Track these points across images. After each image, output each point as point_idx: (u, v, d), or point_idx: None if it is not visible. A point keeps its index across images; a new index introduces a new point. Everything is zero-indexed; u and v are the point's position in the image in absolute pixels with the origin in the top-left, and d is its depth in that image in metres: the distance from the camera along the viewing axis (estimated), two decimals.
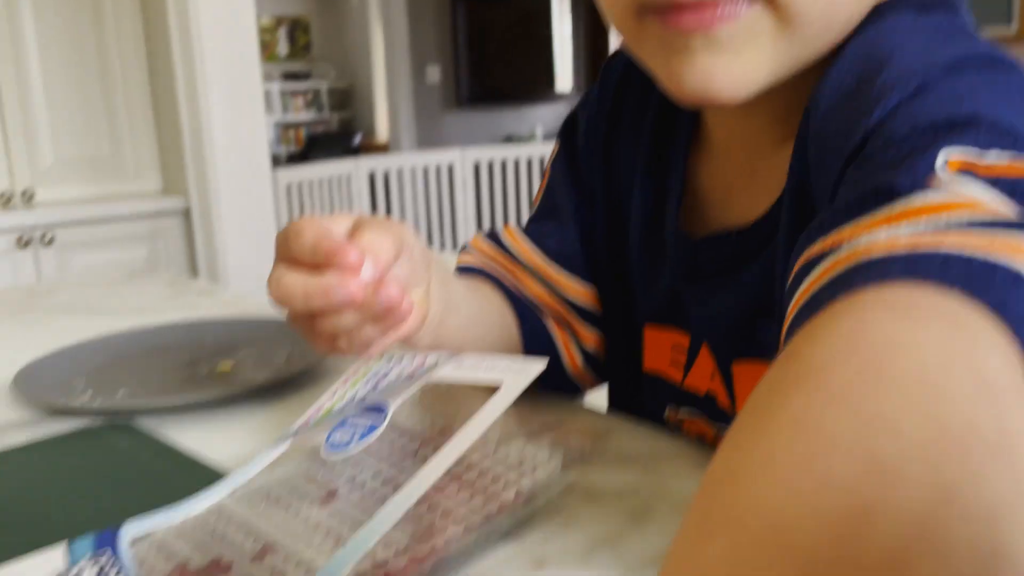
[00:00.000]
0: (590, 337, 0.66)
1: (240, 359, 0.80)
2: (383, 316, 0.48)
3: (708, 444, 0.57)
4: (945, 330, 0.24)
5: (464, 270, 0.68)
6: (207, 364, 0.79)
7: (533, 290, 0.66)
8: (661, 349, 0.61)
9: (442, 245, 3.10)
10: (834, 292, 0.29)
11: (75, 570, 0.40)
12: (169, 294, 1.17)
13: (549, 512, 0.48)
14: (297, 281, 0.46)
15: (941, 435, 0.20)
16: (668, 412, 0.61)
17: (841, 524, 0.18)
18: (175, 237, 2.46)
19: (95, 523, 0.45)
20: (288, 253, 0.47)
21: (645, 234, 0.62)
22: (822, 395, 0.22)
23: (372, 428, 0.49)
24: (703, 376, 0.57)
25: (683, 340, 0.59)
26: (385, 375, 0.59)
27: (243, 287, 2.39)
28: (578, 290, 0.66)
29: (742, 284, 0.53)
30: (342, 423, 0.51)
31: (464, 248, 0.71)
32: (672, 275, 0.59)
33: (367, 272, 0.45)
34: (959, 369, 0.22)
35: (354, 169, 3.58)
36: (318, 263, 0.45)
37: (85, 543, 0.42)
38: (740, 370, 0.54)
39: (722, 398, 0.56)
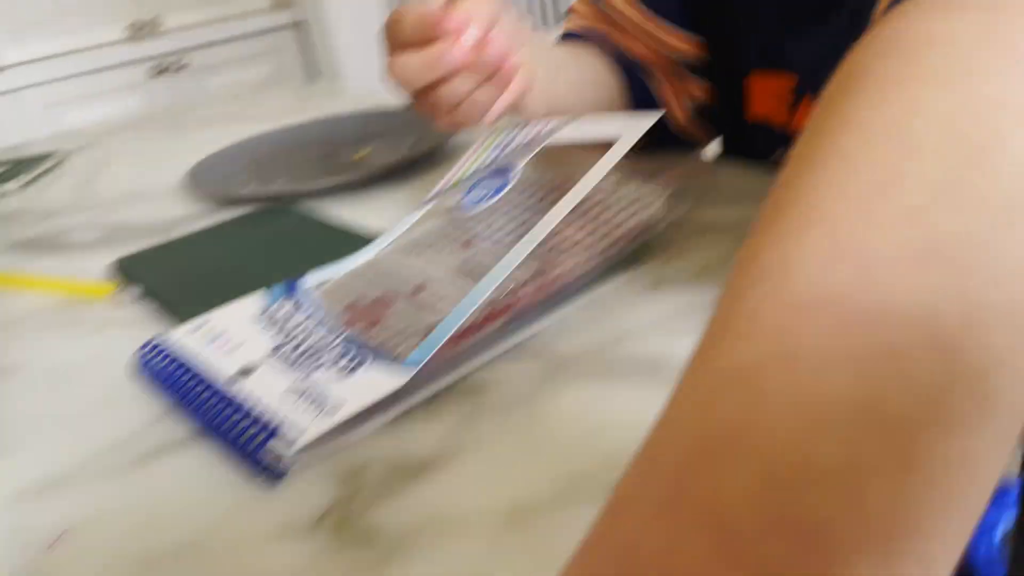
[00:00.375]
0: (699, 89, 0.68)
1: (374, 147, 0.87)
2: (493, 75, 0.52)
3: None
4: (983, 15, 0.25)
5: (567, 36, 0.70)
6: (346, 153, 0.87)
7: (637, 49, 0.68)
8: (766, 94, 0.63)
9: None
10: None
11: (275, 306, 0.49)
12: (301, 97, 1.25)
13: (663, 244, 0.53)
14: (410, 60, 0.50)
15: (966, 106, 0.20)
16: (777, 155, 0.64)
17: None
18: (292, 51, 2.53)
19: (279, 279, 0.54)
20: (396, 40, 0.51)
21: None
22: (861, 98, 0.22)
23: (503, 186, 0.55)
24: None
25: (788, 83, 0.61)
26: (509, 143, 0.64)
27: (364, 86, 2.46)
28: (682, 42, 0.67)
29: (838, 21, 0.53)
30: (474, 185, 0.58)
31: (567, 13, 0.72)
32: (774, 17, 0.59)
33: (470, 34, 0.49)
34: (993, 49, 0.23)
35: None
36: (425, 38, 0.50)
37: (279, 288, 0.51)
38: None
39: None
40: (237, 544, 0.33)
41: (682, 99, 0.68)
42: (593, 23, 0.69)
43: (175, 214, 0.77)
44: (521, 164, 0.57)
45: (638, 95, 0.67)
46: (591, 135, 0.55)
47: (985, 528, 0.25)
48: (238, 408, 0.40)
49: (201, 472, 0.38)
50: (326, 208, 0.71)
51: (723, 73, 0.67)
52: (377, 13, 2.49)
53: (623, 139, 0.51)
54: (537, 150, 0.58)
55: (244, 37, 2.45)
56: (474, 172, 0.63)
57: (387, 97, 1.14)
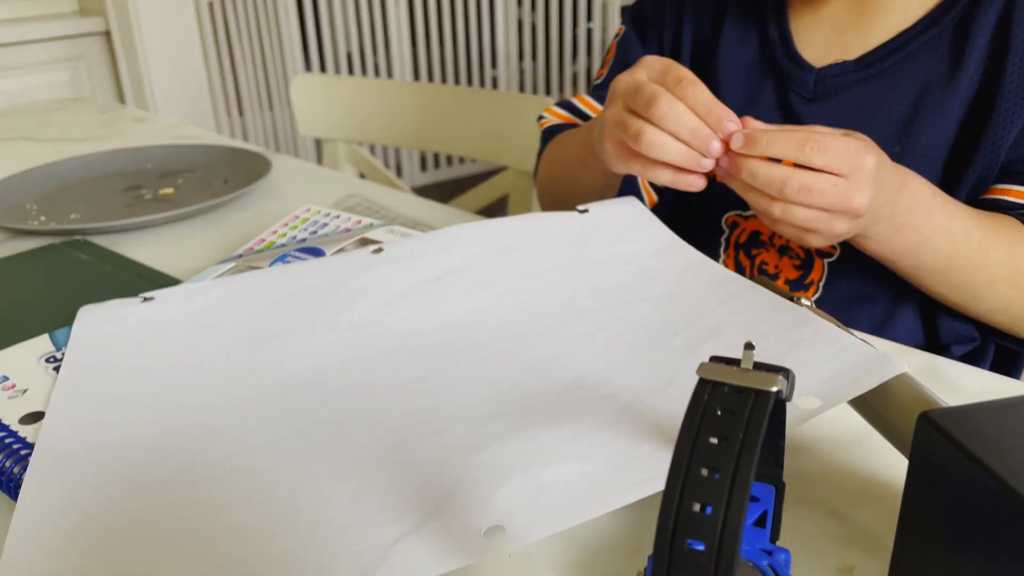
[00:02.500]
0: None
1: (180, 183, 0.87)
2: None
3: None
4: None
5: (550, 131, 0.78)
6: (150, 187, 0.86)
7: None
8: None
9: (376, 70, 3.06)
10: None
11: (61, 353, 0.49)
12: (104, 121, 1.20)
13: None
14: (685, 116, 0.51)
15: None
16: (731, 216, 0.71)
17: None
18: (98, 61, 2.40)
19: (70, 321, 0.53)
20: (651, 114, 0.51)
21: (743, 75, 0.70)
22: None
23: None
24: None
25: None
26: (324, 224, 0.67)
27: (171, 110, 2.36)
28: None
29: (859, 103, 0.64)
30: (283, 257, 0.60)
31: (540, 117, 0.81)
32: (777, 95, 0.68)
33: (737, 140, 0.51)
34: None
35: None
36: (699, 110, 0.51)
37: (64, 332, 0.51)
38: None
39: None
40: None
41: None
42: (571, 123, 0.78)
43: None
44: (332, 250, 0.60)
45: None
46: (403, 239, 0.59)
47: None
48: (20, 459, 0.39)
49: None
50: (126, 246, 0.70)
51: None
52: (187, 30, 2.41)
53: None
54: (349, 242, 0.61)
55: (43, 41, 2.29)
56: (286, 243, 0.65)
57: (200, 131, 1.13)
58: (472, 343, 0.47)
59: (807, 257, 0.67)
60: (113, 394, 0.44)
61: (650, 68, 0.54)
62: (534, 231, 0.58)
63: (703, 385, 0.28)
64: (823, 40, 0.67)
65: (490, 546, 0.31)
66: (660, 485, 0.26)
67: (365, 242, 0.61)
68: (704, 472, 0.26)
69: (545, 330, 0.48)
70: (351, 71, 3.00)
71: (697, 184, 0.53)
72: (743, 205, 0.69)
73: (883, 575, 0.32)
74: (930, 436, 0.28)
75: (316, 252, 0.60)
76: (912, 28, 0.62)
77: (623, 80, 0.55)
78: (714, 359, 0.29)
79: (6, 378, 0.46)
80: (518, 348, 0.46)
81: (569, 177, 0.73)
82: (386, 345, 0.48)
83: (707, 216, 0.72)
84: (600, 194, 0.69)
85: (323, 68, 2.95)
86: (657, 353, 0.44)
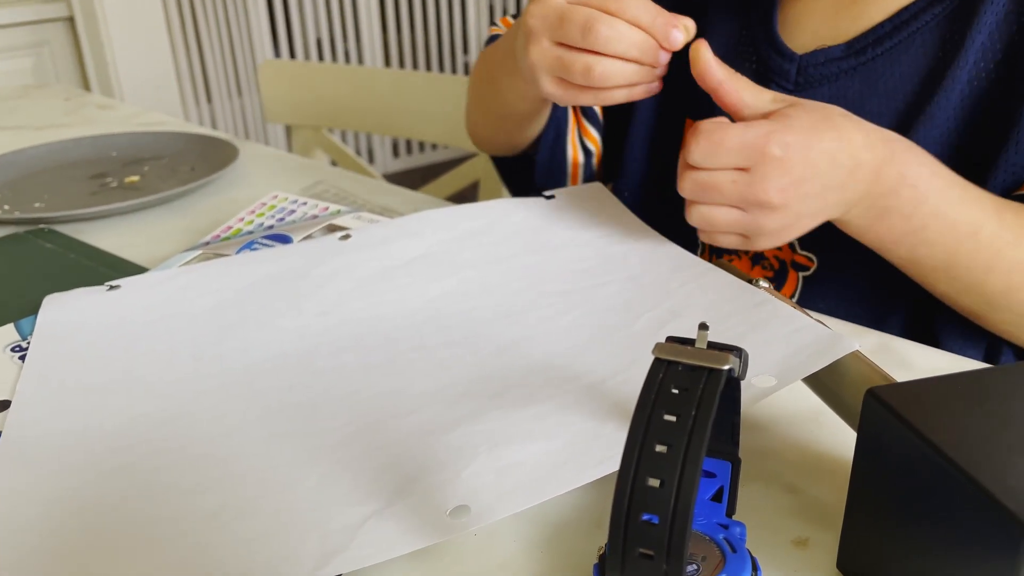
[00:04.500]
0: (592, 138, 0.73)
1: (146, 171, 0.86)
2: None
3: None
4: None
5: (495, 38, 0.73)
6: (115, 175, 0.85)
7: None
8: None
9: (346, 56, 3.04)
10: None
11: (26, 343, 0.49)
12: (68, 108, 1.19)
13: None
14: (631, 33, 0.49)
15: None
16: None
17: None
18: (62, 47, 2.35)
19: (35, 310, 0.53)
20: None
21: (728, 51, 0.64)
22: None
23: None
24: None
25: None
26: (291, 212, 0.67)
27: (137, 97, 2.33)
28: None
29: (845, 95, 0.58)
30: (250, 244, 0.60)
31: (493, 24, 0.75)
32: (760, 83, 0.62)
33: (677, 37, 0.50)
34: None
35: None
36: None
37: (30, 321, 0.51)
38: None
39: None
40: None
41: (577, 141, 0.73)
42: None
43: None
44: (299, 236, 0.60)
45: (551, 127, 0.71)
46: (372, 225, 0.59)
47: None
48: None
49: None
50: (92, 234, 0.70)
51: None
52: (153, 15, 2.38)
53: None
54: (316, 228, 0.61)
55: (5, 27, 2.25)
56: (253, 230, 0.65)
57: (166, 117, 1.12)
58: (439, 327, 0.48)
59: (780, 268, 0.64)
60: (79, 382, 0.44)
61: None
62: (500, 216, 0.59)
63: (658, 364, 0.29)
64: (817, 21, 0.60)
65: (455, 525, 0.32)
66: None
67: (332, 228, 0.61)
68: (658, 448, 0.26)
69: (511, 313, 0.49)
70: (321, 57, 2.98)
71: (654, 89, 0.52)
72: None
73: (835, 546, 0.34)
74: (876, 411, 0.29)
75: (283, 239, 0.60)
76: (910, 7, 0.55)
77: (538, 12, 0.50)
78: (670, 339, 0.30)
79: None
80: (484, 331, 0.47)
81: (497, 101, 0.68)
82: (353, 329, 0.48)
83: (679, 224, 0.70)
84: (532, 120, 0.67)
85: (292, 54, 2.92)
86: (621, 335, 0.45)
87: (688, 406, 0.27)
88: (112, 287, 0.53)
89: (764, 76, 0.62)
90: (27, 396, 0.43)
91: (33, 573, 0.32)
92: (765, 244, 0.48)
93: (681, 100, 0.68)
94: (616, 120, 0.74)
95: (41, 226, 0.71)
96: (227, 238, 0.64)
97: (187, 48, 2.65)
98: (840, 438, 0.41)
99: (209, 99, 2.78)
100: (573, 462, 0.35)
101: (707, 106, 0.65)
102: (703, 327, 0.30)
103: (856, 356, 0.38)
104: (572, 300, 0.49)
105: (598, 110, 0.74)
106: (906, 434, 0.28)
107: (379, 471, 0.36)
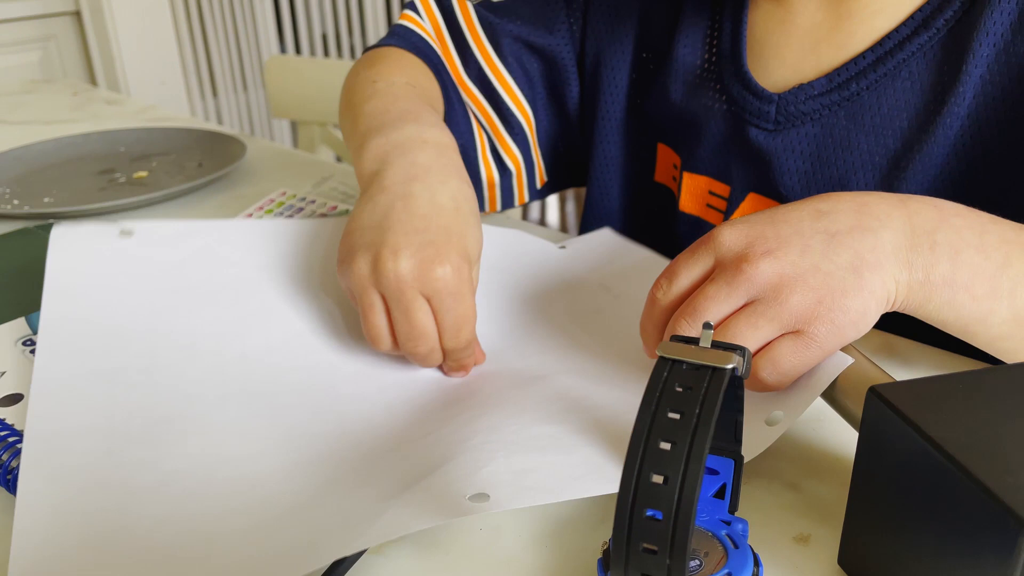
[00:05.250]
0: (513, 155, 0.69)
1: (154, 167, 0.87)
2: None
3: None
4: None
5: (402, 37, 0.66)
6: (124, 171, 0.85)
7: (464, 87, 0.67)
8: (697, 194, 0.63)
9: (352, 51, 3.04)
10: None
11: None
12: (75, 103, 1.19)
13: None
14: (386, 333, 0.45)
15: None
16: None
17: None
18: (68, 42, 2.36)
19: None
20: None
21: (688, 88, 0.61)
22: None
23: None
24: None
25: (721, 189, 0.61)
26: (300, 209, 0.68)
27: (143, 92, 2.34)
28: (518, 103, 0.67)
29: (831, 132, 0.53)
30: None
31: (411, 4, 0.68)
32: (733, 126, 0.58)
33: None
34: None
35: None
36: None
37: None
38: None
39: None
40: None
41: (489, 152, 0.69)
42: (432, 39, 0.67)
43: None
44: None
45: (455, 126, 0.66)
46: None
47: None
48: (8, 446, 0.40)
49: None
50: None
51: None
52: (159, 10, 2.39)
53: None
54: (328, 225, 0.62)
55: (12, 20, 2.26)
56: None
57: (174, 114, 1.12)
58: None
59: None
60: (93, 368, 0.44)
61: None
62: (512, 246, 0.59)
63: (663, 363, 0.29)
64: (792, 51, 0.55)
65: (474, 507, 0.32)
66: None
67: None
68: (663, 445, 0.27)
69: (527, 342, 0.49)
70: (326, 52, 2.98)
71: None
72: None
73: (837, 543, 0.34)
74: (878, 409, 0.30)
75: None
76: (895, 32, 0.51)
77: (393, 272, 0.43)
78: (674, 338, 0.31)
79: None
80: (502, 358, 0.48)
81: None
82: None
83: (672, 249, 0.65)
84: None
85: (298, 49, 2.92)
86: (635, 365, 0.46)
87: (692, 404, 0.27)
88: (124, 232, 0.53)
89: (738, 117, 0.57)
90: (45, 386, 0.43)
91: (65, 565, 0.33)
92: (819, 329, 0.36)
93: (652, 126, 0.66)
94: (575, 143, 0.72)
95: (50, 221, 0.72)
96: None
97: (193, 43, 2.65)
98: (841, 437, 0.41)
99: (215, 94, 2.79)
100: (591, 475, 0.35)
101: (675, 134, 0.64)
102: (707, 327, 0.30)
103: (858, 354, 0.38)
104: (585, 341, 0.50)
105: (527, 126, 0.69)
106: (908, 431, 0.28)
107: (399, 464, 0.37)
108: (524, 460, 0.36)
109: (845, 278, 0.36)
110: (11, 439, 0.40)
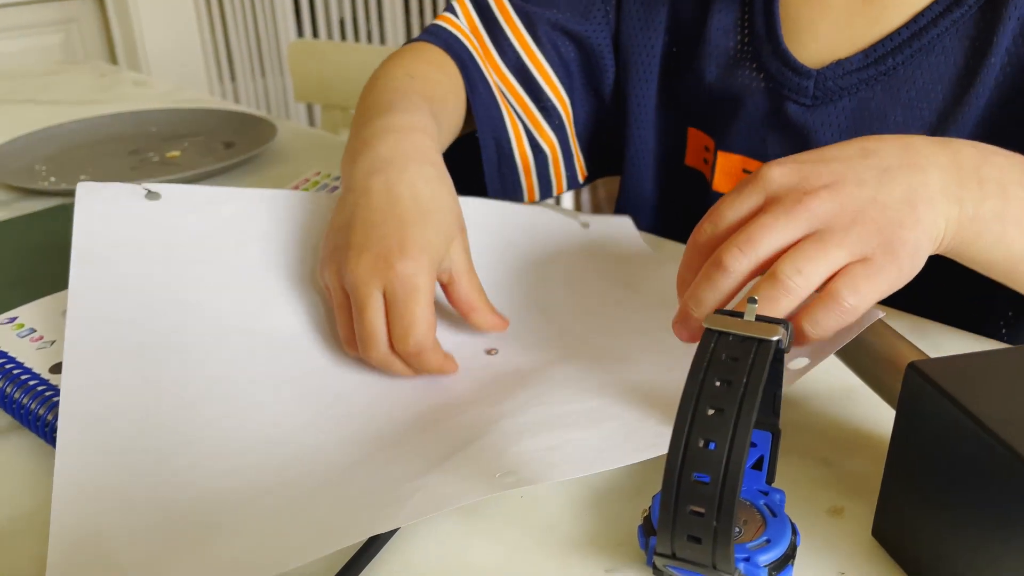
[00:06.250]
0: (548, 138, 0.70)
1: (185, 147, 0.88)
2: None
3: None
4: None
5: (431, 33, 0.67)
6: (155, 151, 0.87)
7: (502, 77, 0.67)
8: (732, 173, 0.63)
9: (368, 36, 3.05)
10: None
11: None
12: (103, 85, 1.20)
13: None
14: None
15: None
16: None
17: None
18: (90, 24, 2.38)
19: None
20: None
21: (722, 70, 0.62)
22: None
23: None
24: None
25: (756, 166, 0.62)
26: (334, 188, 0.69)
27: (164, 75, 2.35)
28: (556, 91, 0.68)
29: (868, 106, 0.55)
30: None
31: (448, 6, 0.68)
32: (770, 102, 0.59)
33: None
34: None
35: None
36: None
37: None
38: None
39: None
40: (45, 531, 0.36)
41: (524, 138, 0.69)
42: (464, 34, 0.67)
43: None
44: None
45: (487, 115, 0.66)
46: None
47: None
48: (53, 406, 0.41)
49: (17, 463, 0.40)
50: None
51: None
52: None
53: None
54: None
55: (34, 2, 2.27)
56: None
57: (199, 95, 1.14)
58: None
59: None
60: (125, 339, 0.45)
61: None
62: (540, 224, 0.60)
63: (709, 334, 0.30)
64: (828, 27, 0.57)
65: (505, 483, 0.33)
66: (665, 448, 0.28)
67: None
68: (710, 411, 0.28)
69: (545, 326, 0.50)
70: (343, 37, 2.99)
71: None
72: None
73: (869, 516, 0.35)
74: (918, 384, 0.31)
75: None
76: (929, 9, 0.52)
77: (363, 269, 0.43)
78: (720, 312, 0.32)
79: (33, 330, 0.48)
80: (525, 341, 0.49)
81: None
82: None
83: (708, 199, 0.67)
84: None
85: (315, 34, 2.93)
86: (654, 348, 0.47)
87: (739, 373, 0.28)
88: (151, 193, 0.52)
89: (776, 93, 0.59)
90: (77, 358, 0.43)
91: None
92: (884, 259, 0.36)
93: (681, 109, 0.67)
94: (611, 128, 0.72)
95: None
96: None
97: (212, 27, 2.66)
98: (873, 413, 0.42)
99: (233, 78, 2.80)
100: (617, 448, 0.36)
101: (707, 116, 0.65)
102: (752, 300, 0.31)
103: (892, 334, 0.39)
104: (604, 331, 0.50)
105: (563, 114, 0.70)
106: (947, 406, 0.29)
107: (429, 445, 0.38)
108: (550, 438, 0.37)
109: (901, 209, 0.36)
110: (55, 399, 0.41)
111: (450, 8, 0.68)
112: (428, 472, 0.35)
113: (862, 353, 0.39)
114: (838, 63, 0.56)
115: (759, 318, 0.31)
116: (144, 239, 0.50)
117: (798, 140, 0.58)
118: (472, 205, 0.58)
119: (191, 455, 0.39)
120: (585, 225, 0.62)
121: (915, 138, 0.39)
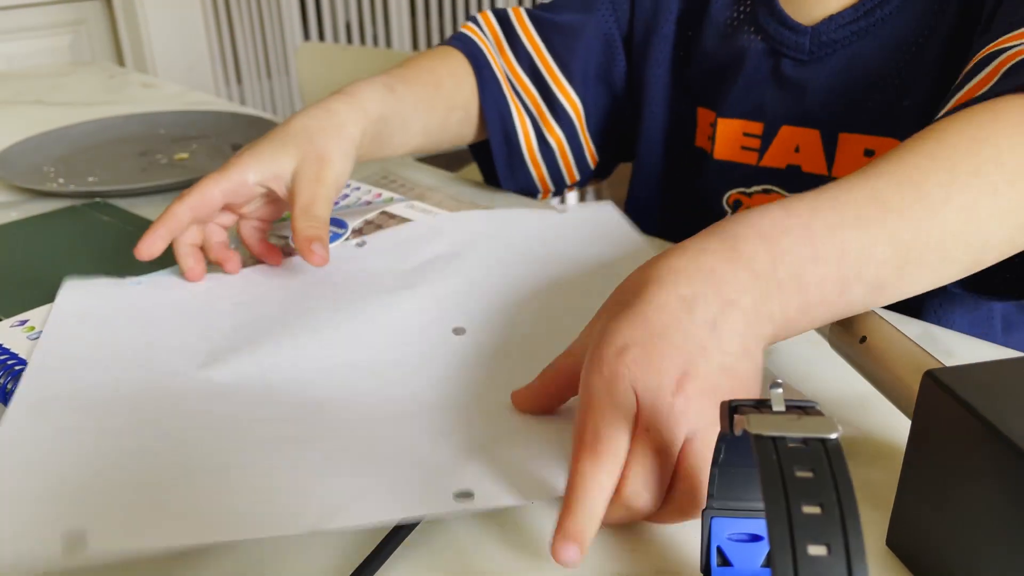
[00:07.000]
0: (556, 135, 0.73)
1: (194, 149, 0.88)
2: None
3: None
4: None
5: (453, 38, 0.73)
6: (164, 152, 0.87)
7: (518, 79, 0.73)
8: (731, 138, 0.66)
9: (374, 39, 3.05)
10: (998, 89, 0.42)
11: None
12: (112, 86, 1.21)
13: None
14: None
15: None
16: (733, 194, 0.67)
17: None
18: (98, 26, 2.38)
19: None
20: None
21: (722, 39, 0.66)
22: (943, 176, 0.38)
23: (335, 237, 0.59)
24: (784, 152, 0.64)
25: (755, 127, 0.65)
26: (345, 196, 0.69)
27: (171, 77, 2.36)
28: (566, 93, 0.73)
29: (861, 54, 0.59)
30: None
31: (472, 18, 0.74)
32: (768, 62, 0.63)
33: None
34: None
35: None
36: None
37: None
38: (846, 139, 0.61)
39: (810, 166, 0.62)
40: None
41: (532, 132, 0.73)
42: (485, 45, 0.73)
43: None
44: (355, 222, 0.62)
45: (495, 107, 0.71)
46: (420, 216, 0.62)
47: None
48: None
49: None
50: (145, 208, 0.72)
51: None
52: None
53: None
54: (372, 214, 0.63)
55: (43, 4, 2.28)
56: None
57: (207, 97, 1.14)
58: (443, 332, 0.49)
59: None
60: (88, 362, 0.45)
61: None
62: (512, 225, 0.61)
63: (765, 444, 0.25)
64: None
65: (457, 507, 0.34)
66: None
67: (386, 216, 0.63)
68: (811, 550, 0.23)
69: (514, 327, 0.50)
70: (349, 40, 2.99)
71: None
72: (745, 182, 0.66)
73: (884, 525, 0.35)
74: (934, 392, 0.30)
75: (338, 223, 0.61)
76: None
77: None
78: (740, 406, 0.28)
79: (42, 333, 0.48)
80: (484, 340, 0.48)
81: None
82: (365, 329, 0.49)
83: (706, 199, 0.69)
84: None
85: (321, 37, 2.94)
86: None
87: (826, 491, 0.24)
88: (135, 283, 0.54)
89: (773, 52, 0.63)
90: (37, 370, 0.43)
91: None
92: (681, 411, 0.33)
93: (691, 91, 0.70)
94: (625, 117, 0.75)
95: (96, 200, 0.73)
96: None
97: (219, 30, 2.67)
98: (886, 422, 0.42)
99: (239, 80, 2.81)
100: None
101: (709, 88, 0.68)
102: (775, 385, 0.27)
103: (906, 342, 0.39)
104: (573, 321, 0.49)
105: (574, 115, 0.74)
106: (964, 415, 0.29)
107: (380, 449, 0.38)
108: (509, 455, 0.37)
109: (741, 362, 0.35)
110: None
111: (473, 19, 0.75)
112: (379, 481, 0.35)
113: (875, 361, 0.39)
114: (831, 18, 0.60)
115: (789, 405, 0.27)
116: (119, 315, 0.50)
117: (795, 95, 0.62)
118: (458, 220, 0.61)
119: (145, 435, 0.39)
120: (562, 211, 0.63)
121: (709, 257, 0.36)
